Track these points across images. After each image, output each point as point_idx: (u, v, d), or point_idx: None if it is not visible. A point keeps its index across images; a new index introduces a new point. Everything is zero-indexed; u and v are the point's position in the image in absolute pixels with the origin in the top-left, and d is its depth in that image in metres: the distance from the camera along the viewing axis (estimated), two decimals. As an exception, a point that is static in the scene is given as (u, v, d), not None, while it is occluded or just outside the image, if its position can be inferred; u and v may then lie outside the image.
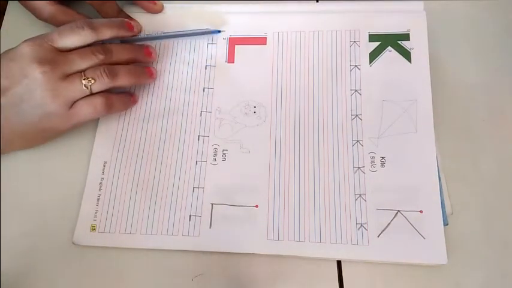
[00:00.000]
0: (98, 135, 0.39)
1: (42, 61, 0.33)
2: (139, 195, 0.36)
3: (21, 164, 0.38)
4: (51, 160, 0.38)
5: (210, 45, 0.41)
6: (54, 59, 0.34)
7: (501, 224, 0.35)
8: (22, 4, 0.41)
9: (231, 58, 0.40)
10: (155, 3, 0.41)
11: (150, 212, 0.36)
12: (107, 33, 0.36)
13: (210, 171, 0.37)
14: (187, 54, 0.41)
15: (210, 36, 0.41)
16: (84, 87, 0.34)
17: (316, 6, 0.41)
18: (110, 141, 0.38)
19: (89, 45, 0.36)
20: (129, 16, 0.41)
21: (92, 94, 0.35)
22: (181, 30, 0.41)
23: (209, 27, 0.41)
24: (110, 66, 0.36)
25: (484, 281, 0.34)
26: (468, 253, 0.34)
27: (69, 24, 0.35)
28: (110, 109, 0.36)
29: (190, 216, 0.35)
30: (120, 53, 0.37)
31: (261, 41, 0.41)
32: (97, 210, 0.36)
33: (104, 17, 0.40)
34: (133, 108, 0.39)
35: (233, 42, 0.41)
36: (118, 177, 0.37)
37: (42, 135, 0.36)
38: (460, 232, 0.35)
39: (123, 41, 0.39)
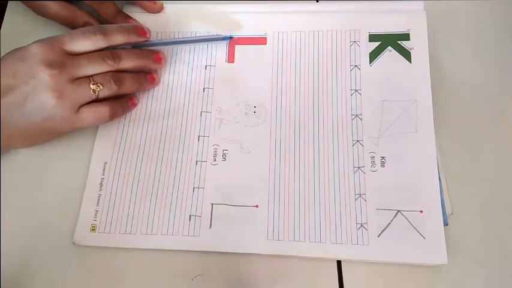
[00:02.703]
0: (99, 136, 0.39)
1: (51, 64, 0.33)
2: (139, 195, 0.36)
3: (22, 164, 0.38)
4: (51, 160, 0.38)
5: (210, 45, 0.41)
6: (64, 62, 0.34)
7: (501, 224, 0.35)
8: (22, 2, 0.40)
9: (231, 58, 0.40)
10: (155, 3, 0.41)
11: (150, 212, 0.36)
12: (118, 39, 0.36)
13: (210, 172, 0.37)
14: (187, 54, 0.41)
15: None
16: (92, 92, 0.35)
17: (316, 6, 0.41)
18: (110, 141, 0.38)
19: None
20: (128, 16, 0.41)
21: (97, 100, 0.36)
22: (192, 36, 0.41)
23: (220, 33, 0.40)
24: (117, 74, 0.36)
25: (484, 281, 0.34)
26: (468, 253, 0.34)
27: (81, 28, 0.36)
28: (113, 117, 0.37)
29: (190, 216, 0.35)
30: (129, 59, 0.37)
31: (261, 41, 0.41)
32: (97, 211, 0.36)
33: (102, 17, 0.40)
34: (134, 109, 0.39)
35: (233, 42, 0.41)
36: (118, 178, 0.37)
37: (44, 135, 0.36)
38: (460, 232, 0.35)
39: (133, 45, 0.39)
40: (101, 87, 0.35)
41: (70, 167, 0.38)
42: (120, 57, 0.36)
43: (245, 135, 0.38)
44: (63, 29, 0.40)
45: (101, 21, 0.40)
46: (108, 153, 0.38)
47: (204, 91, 0.40)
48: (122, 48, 0.37)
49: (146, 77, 0.39)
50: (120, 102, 0.38)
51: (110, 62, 0.35)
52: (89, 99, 0.35)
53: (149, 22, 0.41)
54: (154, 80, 0.39)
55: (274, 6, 0.41)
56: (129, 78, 0.37)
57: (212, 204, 0.36)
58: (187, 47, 0.41)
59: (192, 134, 0.38)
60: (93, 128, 0.39)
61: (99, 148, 0.38)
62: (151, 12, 0.42)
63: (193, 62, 0.41)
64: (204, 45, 0.41)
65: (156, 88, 0.40)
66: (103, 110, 0.36)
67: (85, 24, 0.39)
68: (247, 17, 0.41)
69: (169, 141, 0.38)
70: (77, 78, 0.35)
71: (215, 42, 0.41)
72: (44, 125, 0.34)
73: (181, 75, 0.40)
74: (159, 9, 0.42)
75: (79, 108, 0.35)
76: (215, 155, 0.37)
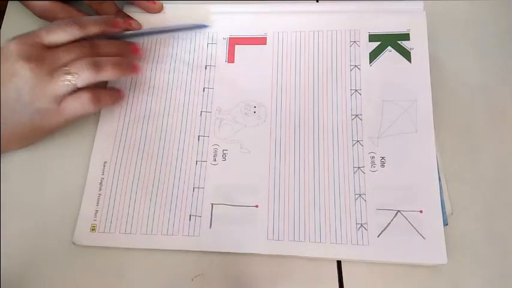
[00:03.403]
0: (98, 135, 0.39)
1: (28, 58, 0.33)
2: (139, 195, 0.36)
3: (21, 164, 0.38)
4: (51, 160, 0.38)
5: (210, 45, 0.41)
6: (41, 55, 0.34)
7: (501, 224, 0.35)
8: (22, 3, 0.40)
9: (231, 58, 0.40)
10: (155, 3, 0.41)
11: (150, 212, 0.36)
12: (93, 29, 0.36)
13: (210, 171, 0.37)
14: (187, 54, 0.41)
15: (210, 36, 0.41)
16: (67, 82, 0.34)
17: (316, 6, 0.41)
18: (110, 141, 0.38)
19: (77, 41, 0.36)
20: (128, 16, 0.41)
21: (78, 89, 0.35)
22: (168, 26, 0.41)
23: (195, 22, 0.41)
24: (94, 58, 0.35)
25: (484, 281, 0.34)
26: (468, 253, 0.34)
27: (57, 21, 0.36)
28: (97, 104, 0.36)
29: (190, 216, 0.35)
30: (107, 48, 0.37)
31: (261, 41, 0.41)
32: (97, 210, 0.36)
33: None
34: (134, 108, 0.39)
35: (233, 42, 0.41)
36: (118, 177, 0.37)
37: (37, 133, 0.36)
38: (460, 232, 0.35)
39: (110, 37, 0.39)
40: (75, 75, 0.34)
41: (70, 166, 0.38)
42: (98, 46, 0.36)
43: (245, 135, 0.38)
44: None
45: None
46: (107, 152, 0.38)
47: (204, 91, 0.40)
48: (100, 39, 0.37)
49: (129, 62, 0.38)
50: (106, 90, 0.37)
51: (86, 51, 0.35)
52: (68, 90, 0.34)
53: (149, 22, 0.41)
54: (137, 68, 0.38)
55: (274, 6, 0.41)
56: (108, 61, 0.36)
57: (212, 204, 0.36)
58: (187, 47, 0.41)
59: (192, 133, 0.38)
60: (93, 128, 0.39)
61: (98, 147, 0.38)
62: (151, 12, 0.42)
63: (193, 62, 0.41)
64: (204, 45, 0.41)
65: (156, 87, 0.40)
66: (85, 95, 0.35)
67: None
68: (247, 17, 0.41)
69: (169, 140, 0.38)
70: (56, 71, 0.34)
71: (204, 36, 0.41)
72: (33, 122, 0.34)
73: (181, 74, 0.40)
74: (159, 9, 0.42)
75: (62, 99, 0.34)
76: (215, 155, 0.37)
